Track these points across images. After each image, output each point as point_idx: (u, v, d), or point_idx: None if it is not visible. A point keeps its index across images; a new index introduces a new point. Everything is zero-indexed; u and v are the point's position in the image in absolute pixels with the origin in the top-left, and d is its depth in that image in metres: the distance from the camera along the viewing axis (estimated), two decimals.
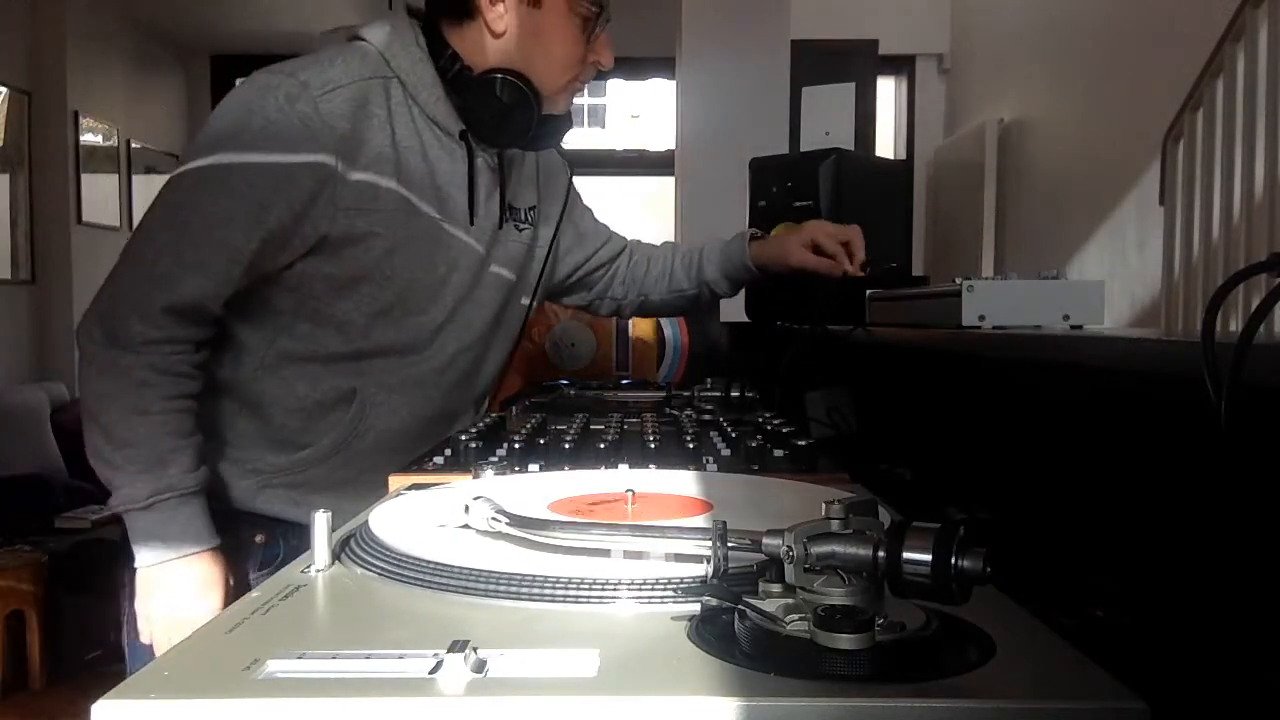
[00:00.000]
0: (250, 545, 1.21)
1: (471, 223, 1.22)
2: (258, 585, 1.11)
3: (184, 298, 1.07)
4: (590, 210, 1.52)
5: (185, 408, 1.11)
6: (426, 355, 1.22)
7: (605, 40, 1.21)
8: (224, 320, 1.15)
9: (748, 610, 0.43)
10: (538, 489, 0.73)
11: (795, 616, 0.43)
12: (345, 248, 1.12)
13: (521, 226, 1.32)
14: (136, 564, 1.10)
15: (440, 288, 1.21)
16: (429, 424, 1.26)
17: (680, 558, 0.53)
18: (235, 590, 1.14)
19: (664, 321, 2.08)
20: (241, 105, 1.07)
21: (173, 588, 1.09)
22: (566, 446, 0.95)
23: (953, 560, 0.41)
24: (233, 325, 1.16)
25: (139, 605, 1.11)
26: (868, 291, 1.67)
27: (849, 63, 4.28)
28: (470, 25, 1.16)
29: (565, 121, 1.27)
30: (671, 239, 1.85)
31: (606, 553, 0.55)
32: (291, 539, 1.20)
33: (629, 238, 1.59)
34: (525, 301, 1.37)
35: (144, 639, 1.12)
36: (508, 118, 1.17)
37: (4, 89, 4.54)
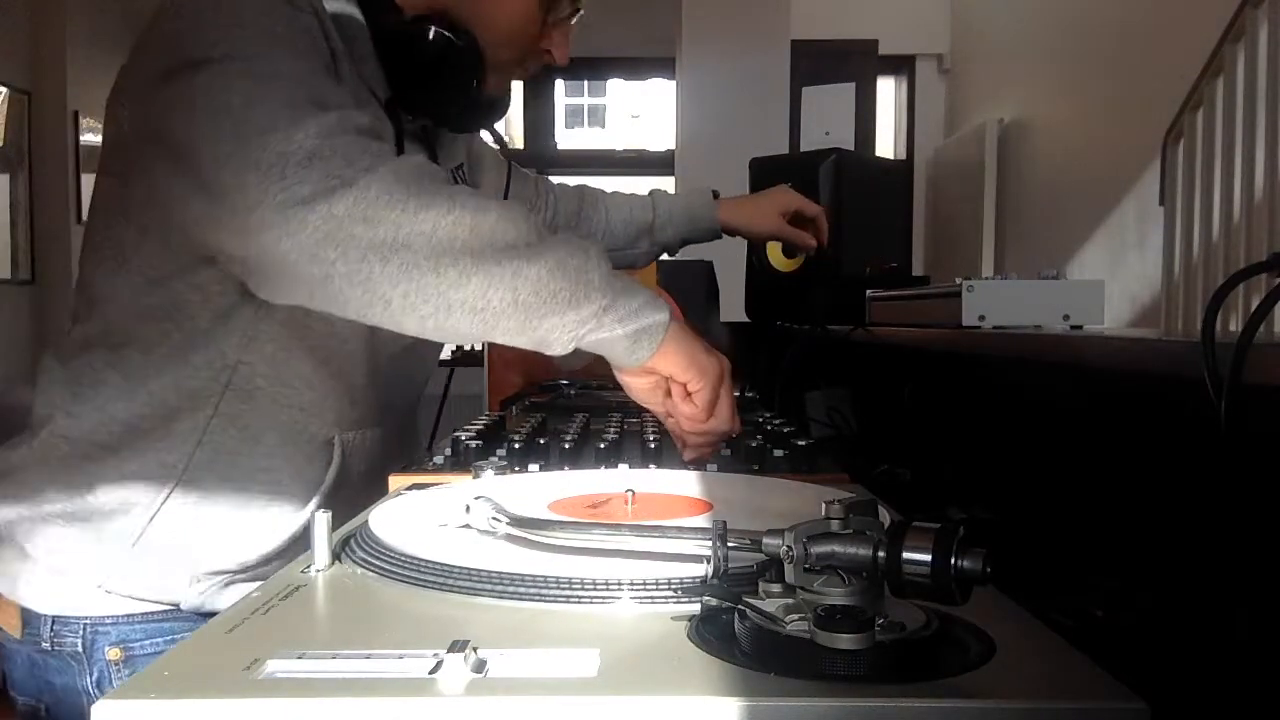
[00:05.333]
0: None
1: None
2: None
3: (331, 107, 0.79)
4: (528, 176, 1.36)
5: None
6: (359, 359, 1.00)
7: (565, 33, 1.04)
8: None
9: (748, 610, 0.43)
10: (538, 489, 0.73)
11: (795, 616, 0.43)
12: None
13: None
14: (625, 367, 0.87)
15: None
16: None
17: (680, 558, 0.53)
18: None
19: None
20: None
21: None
22: (566, 446, 0.95)
23: (953, 560, 0.41)
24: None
25: (679, 376, 0.85)
26: (868, 291, 1.67)
27: (849, 63, 4.28)
28: None
29: (500, 106, 1.08)
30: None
31: (607, 553, 0.55)
32: None
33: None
34: None
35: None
36: (438, 75, 0.96)
37: (4, 89, 4.54)
